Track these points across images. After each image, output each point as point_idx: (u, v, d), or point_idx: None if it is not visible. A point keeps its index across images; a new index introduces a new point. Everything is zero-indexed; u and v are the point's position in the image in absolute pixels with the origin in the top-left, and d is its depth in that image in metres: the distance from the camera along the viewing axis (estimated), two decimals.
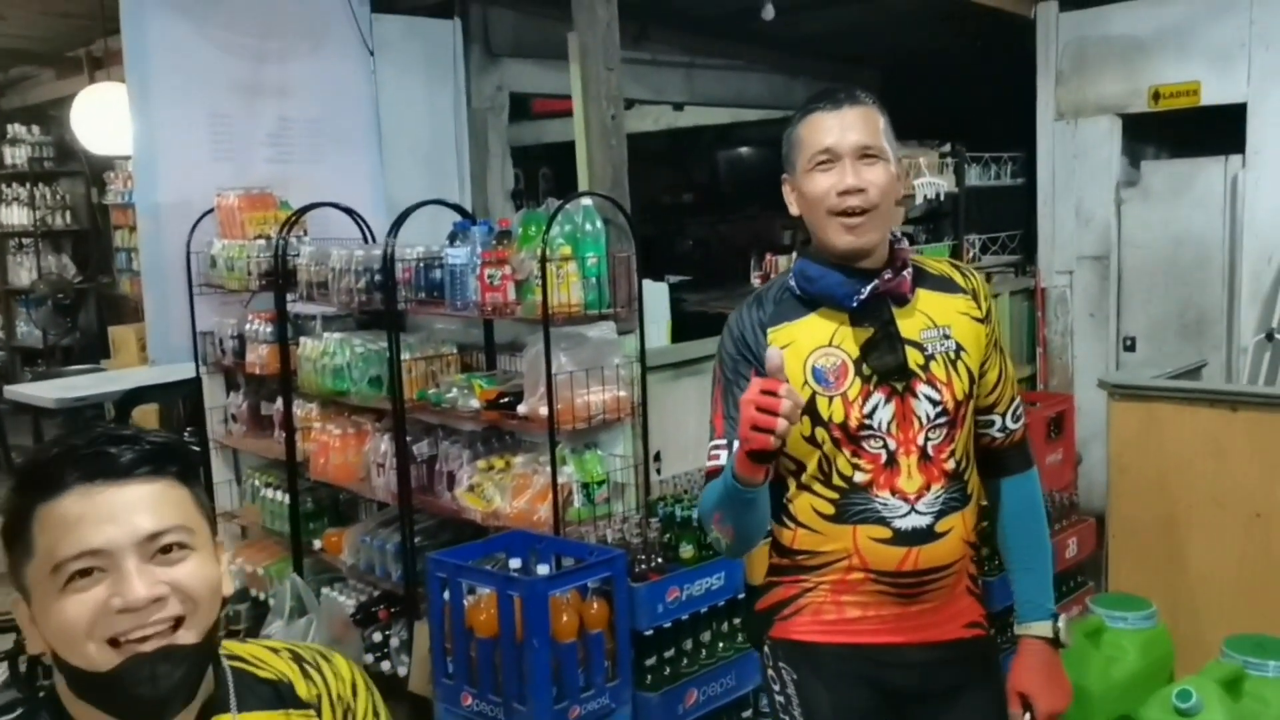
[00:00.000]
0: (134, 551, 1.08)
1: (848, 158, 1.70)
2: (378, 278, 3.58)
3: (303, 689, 1.27)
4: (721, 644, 3.14)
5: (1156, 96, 4.96)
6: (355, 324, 4.11)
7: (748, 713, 3.21)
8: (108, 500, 1.08)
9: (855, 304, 1.72)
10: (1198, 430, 2.52)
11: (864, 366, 1.73)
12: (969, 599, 1.83)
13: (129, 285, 8.51)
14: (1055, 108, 5.22)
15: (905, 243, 1.82)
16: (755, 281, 7.62)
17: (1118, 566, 2.72)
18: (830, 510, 1.73)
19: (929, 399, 1.72)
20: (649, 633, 2.95)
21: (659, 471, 3.52)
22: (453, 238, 3.45)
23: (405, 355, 3.58)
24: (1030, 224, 5.42)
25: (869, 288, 1.72)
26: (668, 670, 3.00)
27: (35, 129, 9.07)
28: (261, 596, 4.26)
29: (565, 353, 3.18)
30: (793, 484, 1.77)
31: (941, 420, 1.73)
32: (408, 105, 5.00)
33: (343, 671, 1.32)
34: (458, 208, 3.89)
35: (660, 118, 8.02)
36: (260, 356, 4.16)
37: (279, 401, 4.14)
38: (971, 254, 5.44)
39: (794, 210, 1.80)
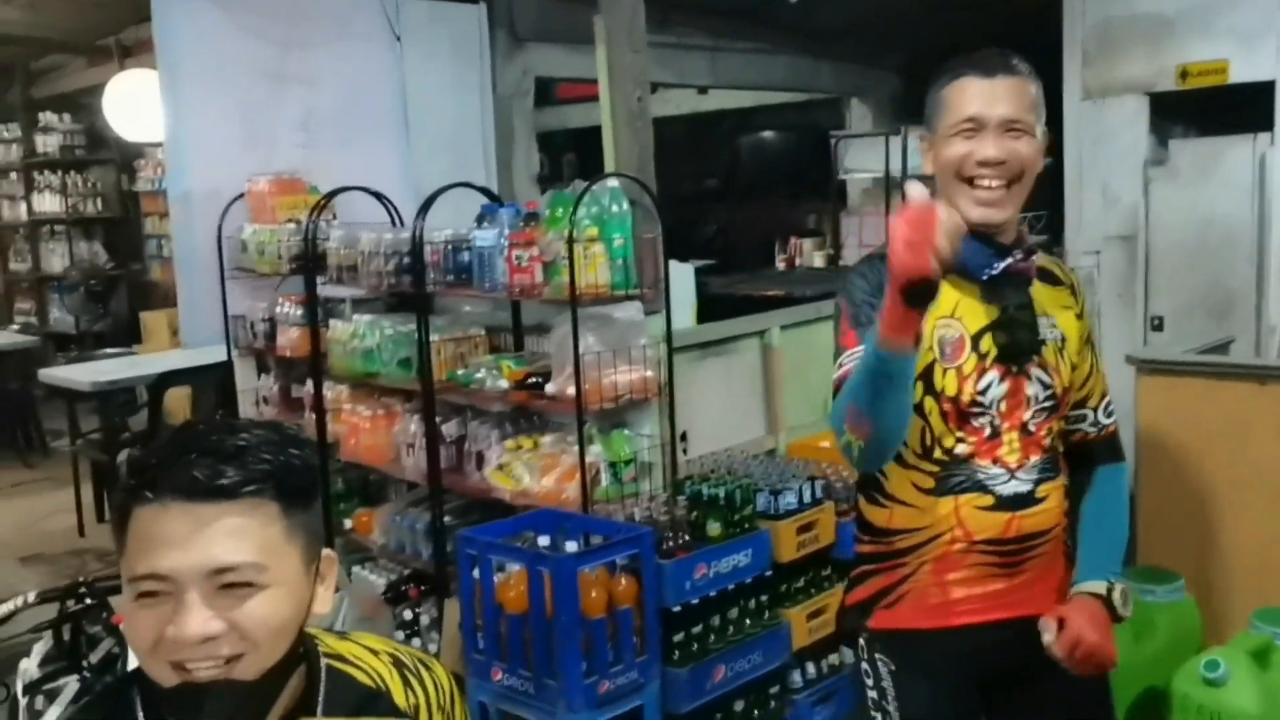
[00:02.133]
0: (199, 582, 1.04)
1: (992, 129, 1.65)
2: (406, 260, 3.62)
3: (400, 696, 1.23)
4: (749, 621, 3.17)
5: (1184, 75, 4.92)
6: (384, 307, 4.15)
7: (775, 688, 3.24)
8: (187, 522, 1.04)
9: (987, 276, 1.68)
10: (1225, 405, 2.52)
11: (980, 342, 1.70)
12: (1067, 569, 1.80)
13: (160, 271, 8.63)
14: (1082, 88, 5.18)
15: (1026, 227, 1.81)
16: (779, 265, 7.65)
17: (1146, 541, 2.72)
18: (930, 484, 1.72)
19: (1041, 382, 1.73)
20: (677, 609, 2.99)
21: (685, 451, 3.55)
22: (480, 220, 3.48)
23: (434, 337, 3.62)
24: (1057, 205, 5.39)
25: (1004, 264, 1.68)
26: (695, 646, 3.04)
27: (66, 117, 9.18)
28: None
29: (592, 333, 3.21)
30: (891, 464, 1.73)
31: (1048, 404, 1.74)
32: (434, 91, 5.04)
33: (443, 681, 1.29)
34: (485, 190, 3.92)
35: (683, 102, 8.02)
36: (291, 339, 4.21)
37: (309, 384, 4.19)
38: None
39: (927, 169, 1.75)
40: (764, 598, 3.23)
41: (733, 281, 5.24)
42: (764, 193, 9.11)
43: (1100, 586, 1.76)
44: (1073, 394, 1.79)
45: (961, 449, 1.70)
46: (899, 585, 1.76)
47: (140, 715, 1.12)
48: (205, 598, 1.04)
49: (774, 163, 9.12)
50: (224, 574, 1.04)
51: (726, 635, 3.11)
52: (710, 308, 4.11)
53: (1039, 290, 1.76)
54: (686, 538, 3.08)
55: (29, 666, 1.74)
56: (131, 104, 5.64)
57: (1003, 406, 1.70)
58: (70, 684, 1.71)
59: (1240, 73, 4.76)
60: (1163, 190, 5.05)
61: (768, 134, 9.34)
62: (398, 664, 1.26)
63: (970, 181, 1.66)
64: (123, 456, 5.36)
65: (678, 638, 3.00)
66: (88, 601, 1.74)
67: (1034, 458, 1.72)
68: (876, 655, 1.78)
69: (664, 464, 3.42)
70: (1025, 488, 1.71)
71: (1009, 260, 1.68)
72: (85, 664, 1.72)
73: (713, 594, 3.07)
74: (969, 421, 1.69)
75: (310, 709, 1.15)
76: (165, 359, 5.66)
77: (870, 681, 1.78)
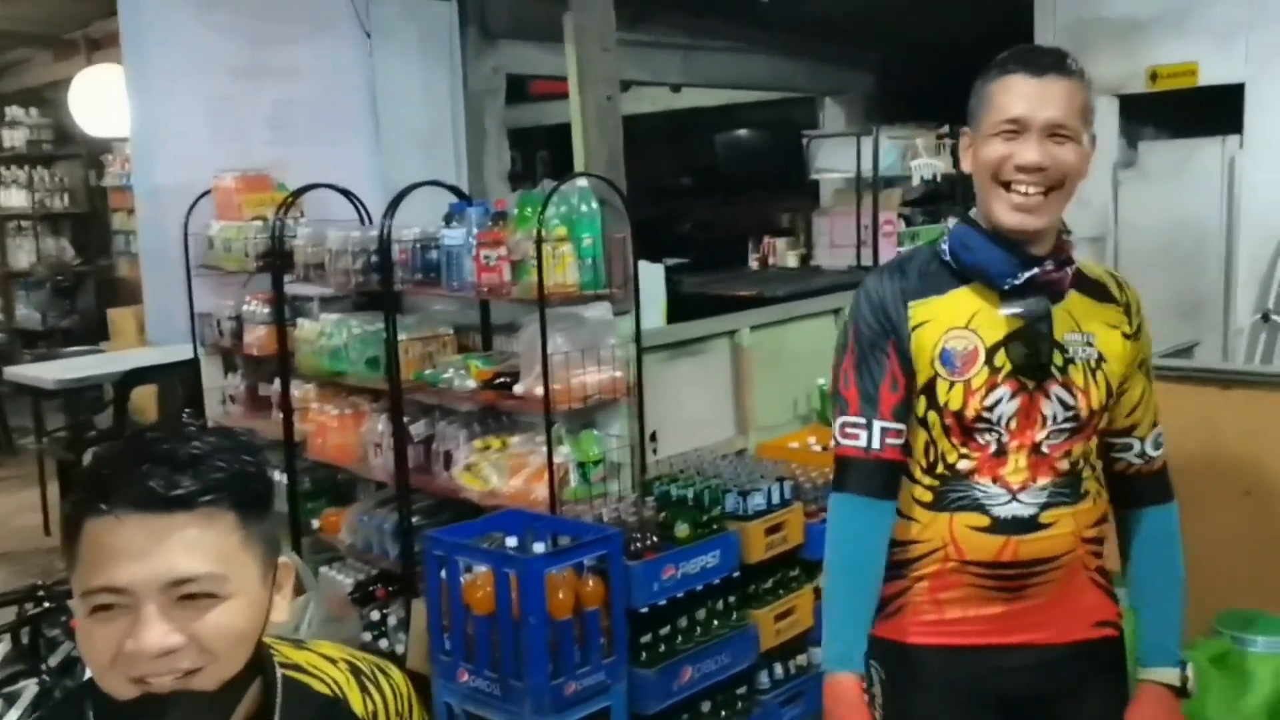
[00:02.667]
0: (157, 595, 1.02)
1: (1036, 132, 1.56)
2: (374, 259, 3.59)
3: (358, 704, 1.22)
4: (716, 622, 3.17)
5: (1154, 77, 4.96)
6: (352, 305, 4.11)
7: (743, 689, 3.24)
8: (144, 533, 1.01)
9: (1008, 286, 1.61)
10: (1188, 409, 2.54)
11: (996, 356, 1.62)
12: (1096, 594, 1.71)
13: (127, 268, 8.53)
14: None
15: (1072, 237, 1.68)
16: (753, 264, 7.65)
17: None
18: (928, 498, 1.65)
19: (1062, 402, 1.62)
20: (644, 610, 2.98)
21: (655, 451, 3.54)
22: (449, 219, 3.45)
23: (402, 336, 3.59)
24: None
25: (1029, 273, 1.60)
26: (663, 647, 3.03)
27: (33, 111, 9.07)
28: None
29: (561, 333, 3.19)
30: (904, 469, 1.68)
31: (1069, 425, 1.63)
32: (404, 87, 5.01)
33: (400, 686, 1.28)
34: (454, 189, 3.90)
35: (658, 99, 8.01)
36: (258, 338, 4.17)
37: (277, 382, 4.15)
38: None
39: (965, 166, 1.67)
40: (732, 599, 3.23)
41: (705, 281, 5.24)
42: (739, 191, 9.10)
43: (1173, 675, 1.70)
44: (1103, 418, 1.67)
45: (964, 465, 1.63)
46: (898, 597, 1.70)
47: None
48: (163, 610, 1.02)
49: (749, 161, 9.12)
50: (183, 585, 1.03)
51: (694, 636, 3.10)
52: (682, 307, 4.11)
53: (1079, 305, 1.66)
54: (655, 539, 3.07)
55: None
56: (98, 99, 5.58)
57: (1012, 424, 1.61)
58: (29, 687, 1.68)
59: (1210, 75, 4.81)
60: (1132, 192, 5.09)
61: (743, 132, 9.33)
62: (355, 671, 1.25)
63: (1007, 185, 1.58)
64: (88, 455, 5.30)
65: (645, 639, 3.00)
66: (46, 605, 1.72)
67: (1044, 480, 1.61)
68: (871, 660, 1.72)
69: (633, 464, 3.41)
70: (1027, 511, 1.61)
71: (1034, 271, 1.60)
72: (44, 667, 1.69)
73: (681, 595, 3.06)
74: (973, 437, 1.62)
75: (268, 719, 1.14)
76: (131, 357, 5.60)
77: (866, 685, 1.71)
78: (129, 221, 8.43)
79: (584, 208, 3.20)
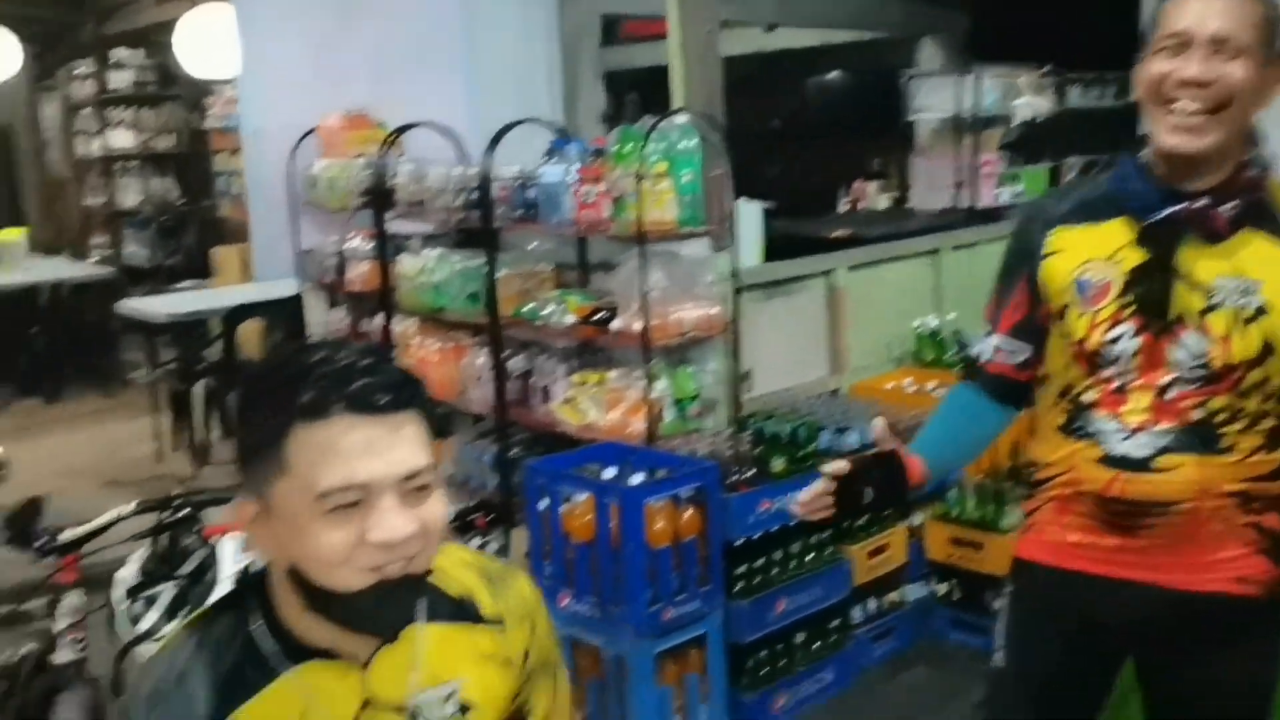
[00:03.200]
0: (393, 488, 1.09)
1: (1201, 46, 1.48)
2: (474, 196, 3.66)
3: (488, 605, 1.28)
4: (810, 556, 3.21)
5: None
6: (452, 242, 4.20)
7: (835, 622, 3.28)
8: (374, 434, 1.08)
9: (1149, 220, 1.55)
10: None
11: (1127, 292, 1.58)
12: (1241, 549, 1.60)
13: (229, 208, 8.76)
14: None
15: (1267, 171, 1.57)
16: (843, 208, 7.56)
17: None
18: (1060, 421, 1.66)
19: (1190, 349, 1.54)
20: (740, 543, 3.03)
21: (749, 390, 3.57)
22: (548, 156, 3.49)
23: (501, 272, 3.66)
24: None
25: (1169, 210, 1.53)
26: (758, 579, 3.08)
27: (139, 53, 9.30)
28: None
29: (659, 270, 3.22)
30: (1045, 390, 1.70)
31: (1199, 374, 1.55)
32: (501, 27, 5.01)
33: (525, 590, 1.33)
34: (553, 126, 3.93)
35: (750, 41, 7.90)
36: (360, 274, 4.28)
37: (378, 318, 4.26)
38: (1070, 176, 5.32)
39: (1136, 92, 1.59)
40: (826, 534, 3.26)
41: (798, 222, 5.21)
42: (828, 135, 8.96)
43: None
44: (1257, 373, 1.54)
45: (1088, 396, 1.61)
46: (1031, 514, 1.74)
47: (262, 632, 1.16)
48: (400, 501, 1.09)
49: (839, 104, 8.95)
50: (413, 478, 1.10)
51: (789, 569, 3.15)
52: (776, 247, 4.10)
53: (1253, 247, 1.54)
54: (750, 473, 3.11)
55: (127, 574, 1.83)
56: (202, 41, 5.71)
57: (1134, 363, 1.56)
58: (166, 590, 1.79)
59: None
60: None
61: (833, 75, 9.15)
62: (485, 575, 1.30)
63: (1168, 104, 1.50)
64: (198, 387, 5.52)
65: (740, 570, 3.05)
66: (182, 514, 1.82)
67: (1167, 424, 1.55)
68: (1010, 577, 1.77)
69: (728, 401, 3.45)
70: (1141, 453, 1.56)
71: (1177, 207, 1.52)
72: (179, 573, 1.80)
73: (775, 529, 3.10)
74: (1096, 370, 1.60)
75: (408, 619, 1.20)
76: (238, 292, 5.78)
77: (999, 602, 1.78)
78: (230, 162, 8.65)
79: (683, 144, 3.21)
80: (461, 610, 1.26)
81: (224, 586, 1.80)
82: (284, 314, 5.20)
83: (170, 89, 9.34)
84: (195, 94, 9.05)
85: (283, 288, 4.82)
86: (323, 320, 4.71)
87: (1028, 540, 1.75)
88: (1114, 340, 1.58)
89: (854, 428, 3.33)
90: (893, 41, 7.53)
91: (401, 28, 4.75)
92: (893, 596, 3.50)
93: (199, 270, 8.39)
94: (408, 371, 1.15)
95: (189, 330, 5.69)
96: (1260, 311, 1.52)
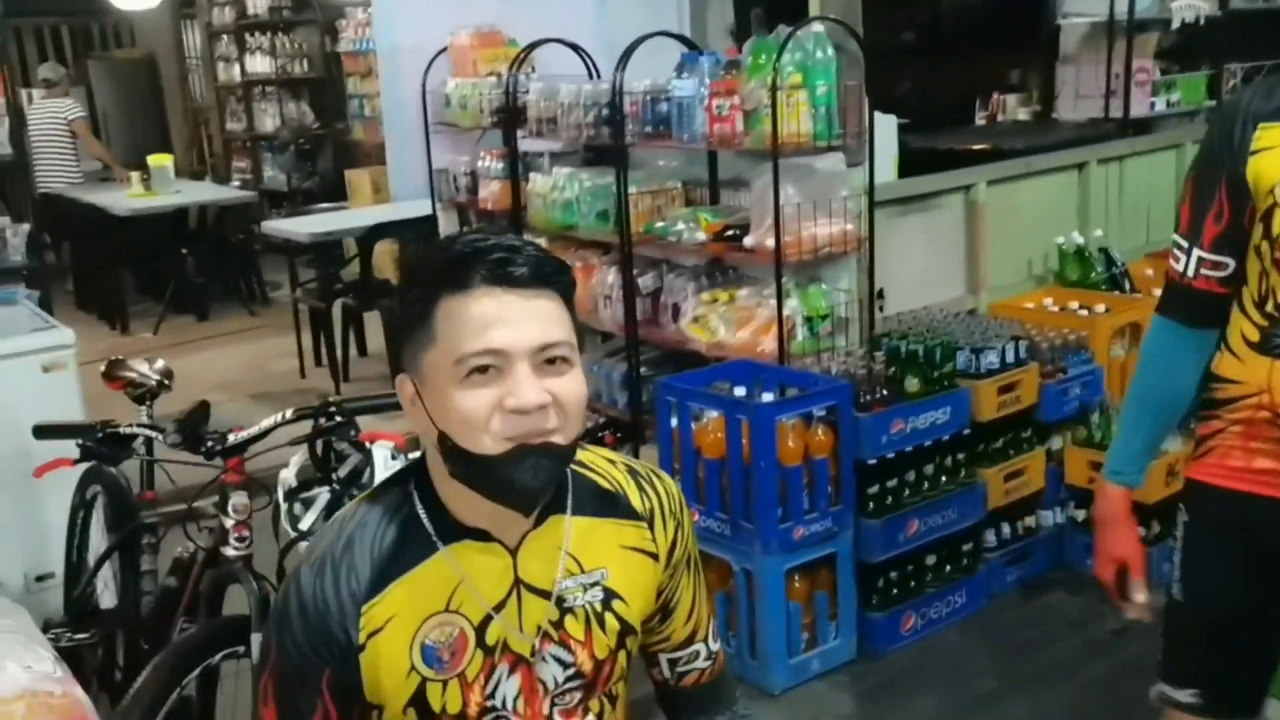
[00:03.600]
0: (528, 358, 1.14)
1: None
2: (605, 112, 3.63)
3: (637, 501, 1.32)
4: (944, 478, 3.15)
5: None
6: (580, 160, 4.19)
7: (968, 545, 3.23)
8: (511, 305, 1.14)
9: None
10: None
11: None
12: None
13: (361, 131, 8.94)
14: None
15: None
16: (980, 122, 7.26)
17: None
18: (1255, 337, 1.55)
19: None
20: (872, 462, 3.00)
21: (881, 309, 3.49)
22: (680, 70, 3.44)
23: (631, 190, 3.64)
24: None
25: None
26: (890, 500, 3.05)
27: None
28: None
29: (792, 184, 3.16)
30: (1234, 304, 1.59)
31: None
32: None
33: (671, 489, 1.36)
34: (684, 39, 3.86)
35: None
36: (492, 192, 4.32)
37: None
38: (1232, 84, 4.97)
39: None
40: (961, 456, 3.20)
41: (935, 136, 5.02)
42: (963, 46, 8.59)
43: None
44: None
45: None
46: (1210, 438, 1.63)
47: (421, 511, 1.23)
48: (534, 370, 1.14)
49: (975, 15, 8.56)
50: (548, 350, 1.15)
51: (921, 491, 3.10)
52: (910, 162, 3.96)
53: None
54: (884, 393, 3.07)
55: (287, 476, 1.92)
56: None
57: None
58: (322, 494, 1.88)
59: None
60: None
61: None
62: (631, 472, 1.35)
63: None
64: (337, 305, 5.70)
65: (872, 490, 3.02)
66: (338, 419, 1.89)
67: None
68: (1180, 503, 1.69)
69: (860, 320, 3.38)
70: None
71: None
72: (335, 477, 1.88)
73: (909, 449, 3.05)
74: None
75: (560, 508, 1.26)
76: (374, 213, 5.92)
77: (1173, 526, 1.71)
78: (362, 86, 8.80)
79: (819, 54, 3.11)
80: (609, 503, 1.30)
81: None
82: (418, 233, 5.30)
83: (304, 13, 9.52)
84: (329, 18, 9.20)
85: (417, 208, 4.90)
86: None
87: (1206, 464, 1.64)
88: None
89: (993, 347, 3.24)
90: None
91: None
92: (1028, 521, 3.43)
93: (334, 193, 8.62)
94: (551, 257, 1.20)
95: (327, 250, 5.87)
96: None
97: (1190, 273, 1.60)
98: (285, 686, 1.21)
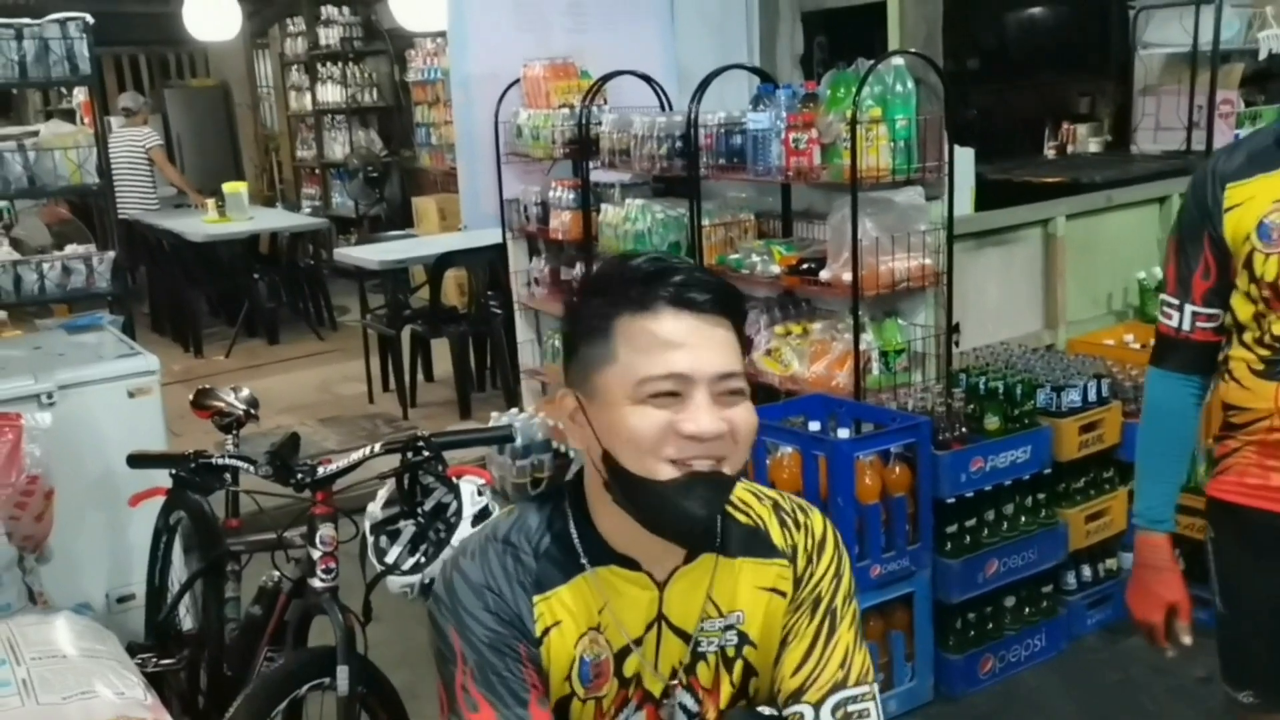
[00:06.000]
0: (708, 385, 1.13)
1: None
2: (679, 144, 3.64)
3: (778, 537, 1.29)
4: (1024, 518, 3.09)
5: None
6: (651, 192, 4.20)
7: (1048, 587, 3.16)
8: (694, 331, 1.13)
9: None
10: None
11: None
12: None
13: (428, 159, 9.07)
14: None
15: None
16: (1049, 152, 7.17)
17: None
18: (1260, 366, 1.64)
19: None
20: (951, 501, 2.95)
21: (958, 344, 3.45)
22: (755, 102, 3.44)
23: (704, 222, 3.64)
24: None
25: None
26: (968, 539, 2.99)
27: (345, 10, 9.68)
28: (562, 449, 4.54)
29: (870, 218, 3.13)
30: (1234, 339, 1.69)
31: None
32: None
33: (815, 527, 1.33)
34: (758, 71, 3.87)
35: None
36: (563, 222, 4.34)
37: (579, 266, 4.32)
38: None
39: None
40: (1041, 496, 3.14)
41: (1007, 167, 4.96)
42: (1030, 74, 8.49)
43: None
44: None
45: None
46: (1227, 457, 1.73)
47: (573, 528, 1.22)
48: (712, 399, 1.13)
49: (1043, 40, 8.46)
50: (727, 379, 1.14)
51: (1001, 530, 3.05)
52: (983, 194, 3.92)
53: None
54: (962, 430, 3.02)
55: (374, 509, 1.93)
56: None
57: None
58: (408, 528, 1.88)
59: None
60: None
61: (1035, 10, 8.66)
62: (776, 508, 1.32)
63: None
64: (406, 331, 5.75)
65: (951, 529, 2.97)
66: (425, 454, 1.90)
67: None
68: (1208, 519, 1.78)
69: (937, 355, 3.34)
70: None
71: None
72: (420, 511, 1.88)
73: (988, 488, 3.00)
74: None
75: (711, 544, 1.25)
76: (444, 240, 5.98)
77: (1204, 542, 1.80)
78: (430, 114, 8.94)
79: (899, 87, 3.09)
80: (752, 541, 1.27)
81: (464, 525, 1.88)
82: (486, 262, 5.35)
83: (374, 44, 9.69)
84: (398, 48, 9.36)
85: (486, 236, 4.95)
86: (525, 268, 4.81)
87: (1225, 482, 1.73)
88: None
89: (1074, 385, 3.18)
90: None
91: None
92: (1110, 564, 3.34)
93: (401, 219, 8.74)
94: (729, 285, 1.20)
95: (396, 276, 5.94)
96: None
97: (1186, 327, 1.73)
98: (489, 670, 1.16)
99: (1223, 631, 1.80)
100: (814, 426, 2.96)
